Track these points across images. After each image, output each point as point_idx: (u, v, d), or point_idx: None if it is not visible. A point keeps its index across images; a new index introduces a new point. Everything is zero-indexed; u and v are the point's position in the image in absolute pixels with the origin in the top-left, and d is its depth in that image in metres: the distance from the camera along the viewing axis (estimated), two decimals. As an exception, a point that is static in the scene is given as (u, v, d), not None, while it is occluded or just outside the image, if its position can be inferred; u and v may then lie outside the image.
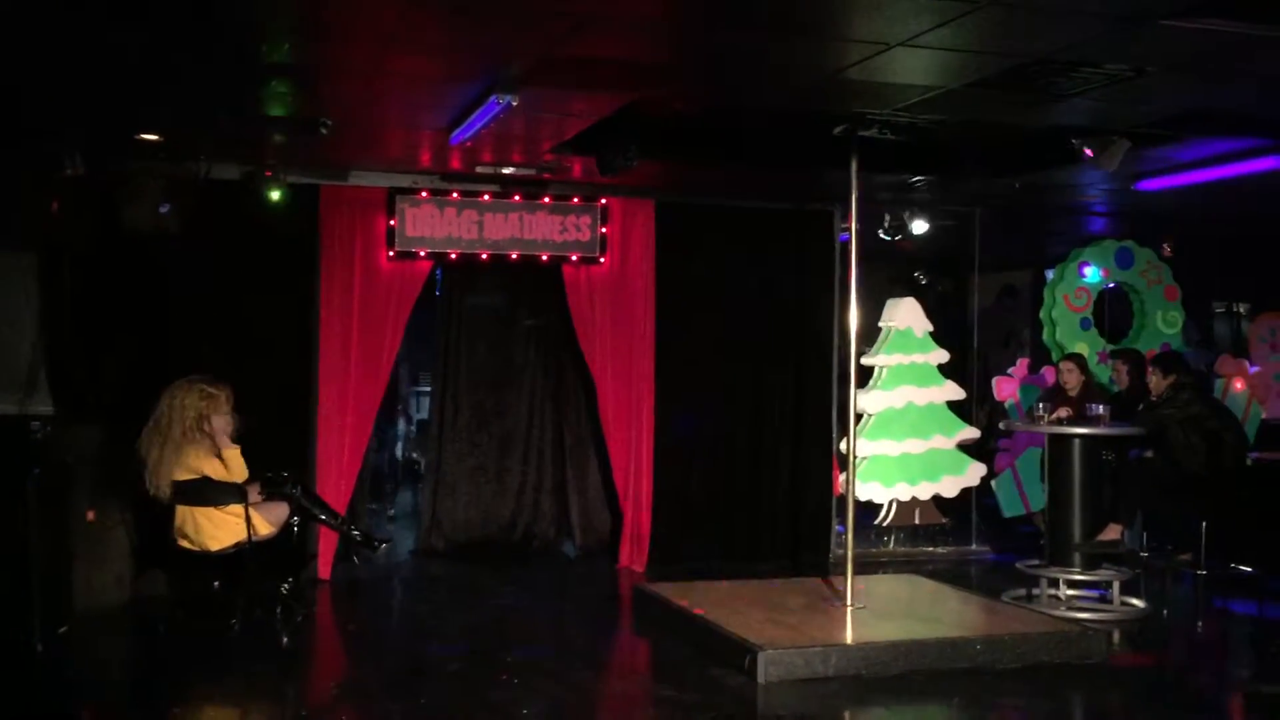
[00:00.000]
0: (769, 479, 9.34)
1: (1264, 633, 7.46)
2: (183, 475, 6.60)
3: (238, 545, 6.62)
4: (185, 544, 6.66)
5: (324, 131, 6.73)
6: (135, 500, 7.37)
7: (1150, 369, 8.38)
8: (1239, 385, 9.69)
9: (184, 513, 6.64)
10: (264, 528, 6.70)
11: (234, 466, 6.71)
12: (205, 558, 6.65)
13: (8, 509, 6.33)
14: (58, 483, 6.76)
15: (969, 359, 9.99)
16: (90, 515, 7.17)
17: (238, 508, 6.58)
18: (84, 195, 7.42)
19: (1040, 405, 8.11)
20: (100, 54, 5.49)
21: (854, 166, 6.96)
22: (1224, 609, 7.80)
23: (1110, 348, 10.24)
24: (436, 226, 8.47)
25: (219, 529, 6.62)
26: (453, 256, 8.58)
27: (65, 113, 6.68)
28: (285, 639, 6.59)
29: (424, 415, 9.28)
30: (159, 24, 5.01)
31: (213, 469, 6.64)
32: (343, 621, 7.70)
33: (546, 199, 8.68)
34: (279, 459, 7.22)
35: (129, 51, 5.42)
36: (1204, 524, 7.55)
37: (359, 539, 7.47)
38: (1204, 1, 4.55)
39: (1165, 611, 7.75)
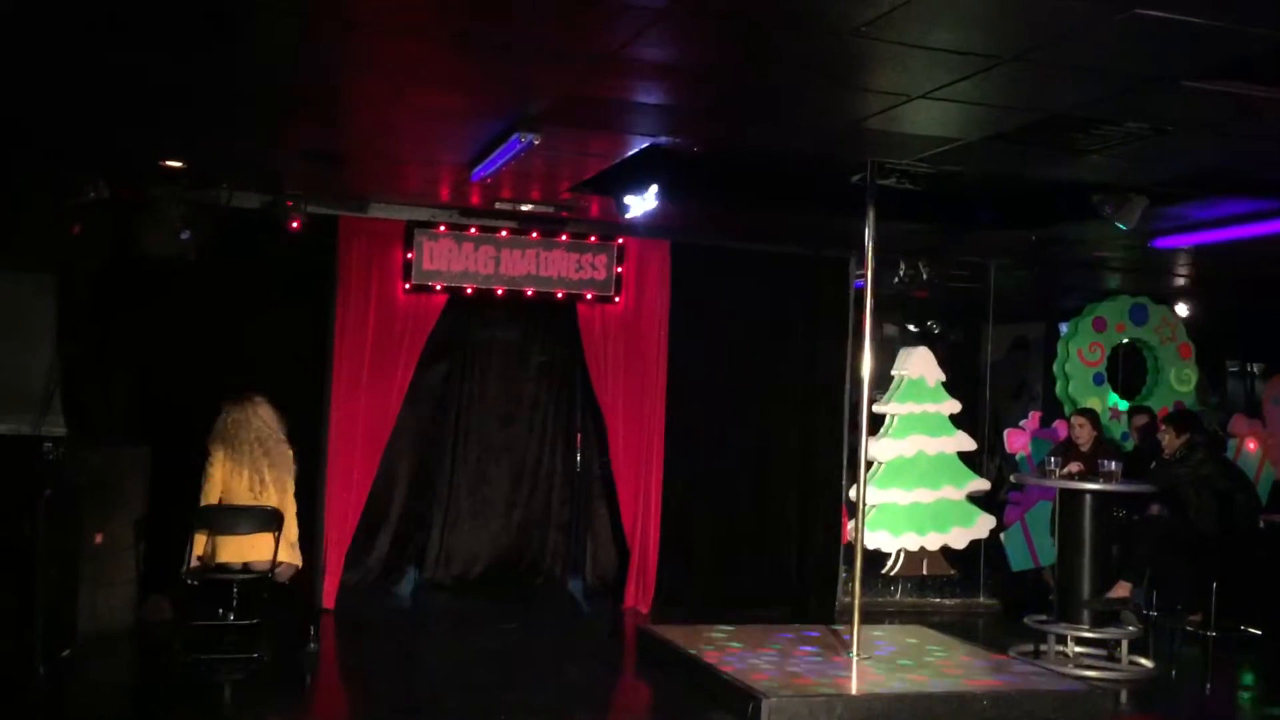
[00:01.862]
0: (777, 524, 9.30)
1: (1272, 696, 7.39)
2: (286, 487, 6.79)
3: (267, 563, 6.62)
4: (228, 556, 6.62)
5: (339, 165, 6.79)
6: (146, 525, 7.41)
7: (1163, 426, 8.35)
8: (1252, 446, 9.65)
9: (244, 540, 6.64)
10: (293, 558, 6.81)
11: None
12: (224, 585, 6.65)
13: (17, 529, 6.34)
14: (67, 504, 6.76)
15: (980, 410, 9.96)
16: (98, 538, 7.17)
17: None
18: (105, 219, 7.48)
19: (1052, 459, 8.09)
20: (124, 80, 5.54)
21: (870, 214, 6.99)
22: (1232, 671, 7.72)
23: (1125, 404, 10.21)
24: (453, 261, 8.51)
25: (261, 547, 6.63)
26: (468, 291, 8.61)
27: (88, 137, 6.75)
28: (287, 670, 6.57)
29: (435, 449, 9.29)
30: (182, 53, 5.07)
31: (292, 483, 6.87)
32: (344, 655, 7.66)
33: (564, 237, 8.72)
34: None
35: (151, 79, 5.48)
36: (1214, 585, 7.49)
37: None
38: (1225, 65, 4.58)
39: (1173, 672, 7.68)
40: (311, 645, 7.06)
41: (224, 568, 6.63)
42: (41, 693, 6.17)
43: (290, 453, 6.93)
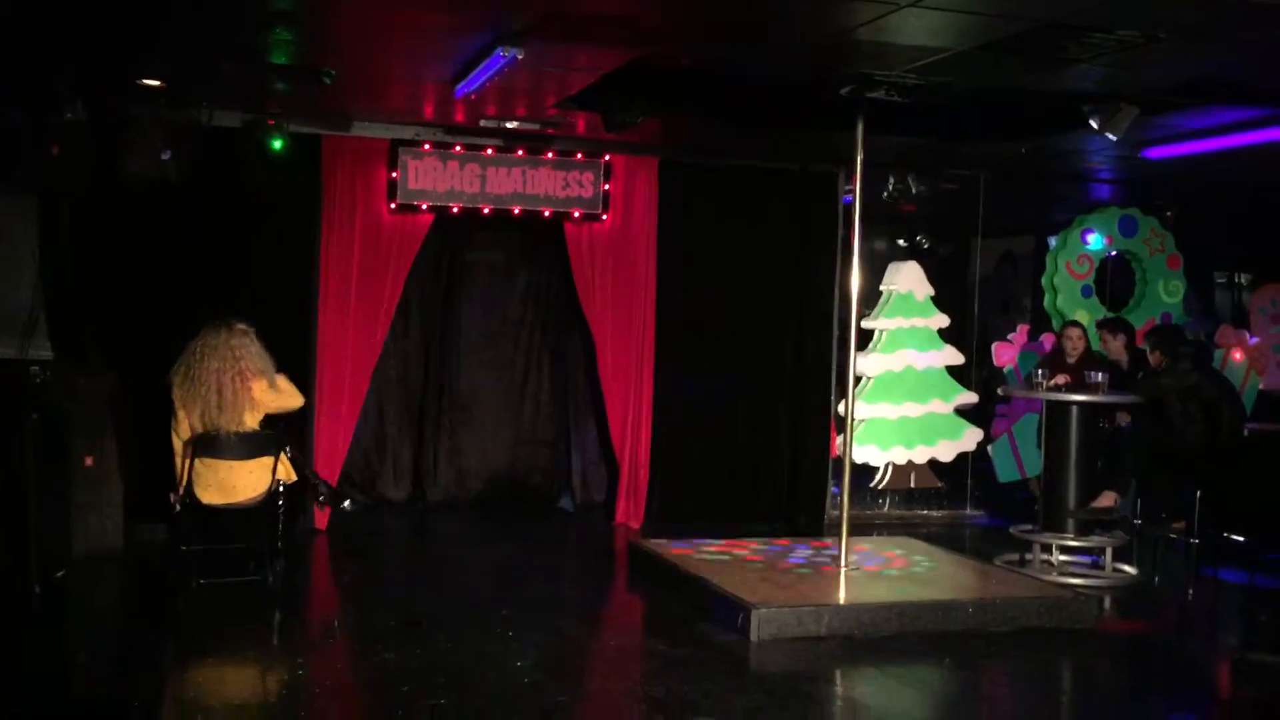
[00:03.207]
0: (766, 439, 9.37)
1: (1254, 602, 7.52)
2: (253, 419, 6.43)
3: (260, 496, 6.51)
4: (212, 498, 6.41)
5: (327, 81, 6.69)
6: (134, 449, 7.41)
7: (1145, 342, 8.39)
8: (1238, 356, 9.70)
9: (216, 465, 6.37)
10: (290, 475, 6.68)
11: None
12: (230, 510, 6.49)
13: (6, 452, 6.35)
14: (56, 428, 6.77)
15: (969, 324, 9.98)
16: (89, 461, 7.19)
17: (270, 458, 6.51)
18: (84, 140, 7.36)
19: (1039, 372, 8.13)
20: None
21: (859, 128, 6.92)
22: (1215, 578, 7.85)
23: (1105, 316, 10.23)
24: (439, 179, 8.43)
25: (254, 478, 6.48)
26: (454, 210, 8.55)
27: (66, 56, 6.62)
28: (280, 589, 6.59)
29: (423, 368, 9.30)
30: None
31: (278, 398, 6.54)
32: (338, 573, 7.74)
33: (550, 154, 8.64)
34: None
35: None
36: (1198, 493, 7.58)
37: (323, 498, 7.20)
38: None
39: (1157, 579, 7.82)
40: (287, 566, 6.83)
41: (210, 506, 6.43)
42: (40, 613, 6.23)
43: (258, 386, 6.42)
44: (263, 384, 6.48)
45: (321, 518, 8.27)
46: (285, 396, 6.62)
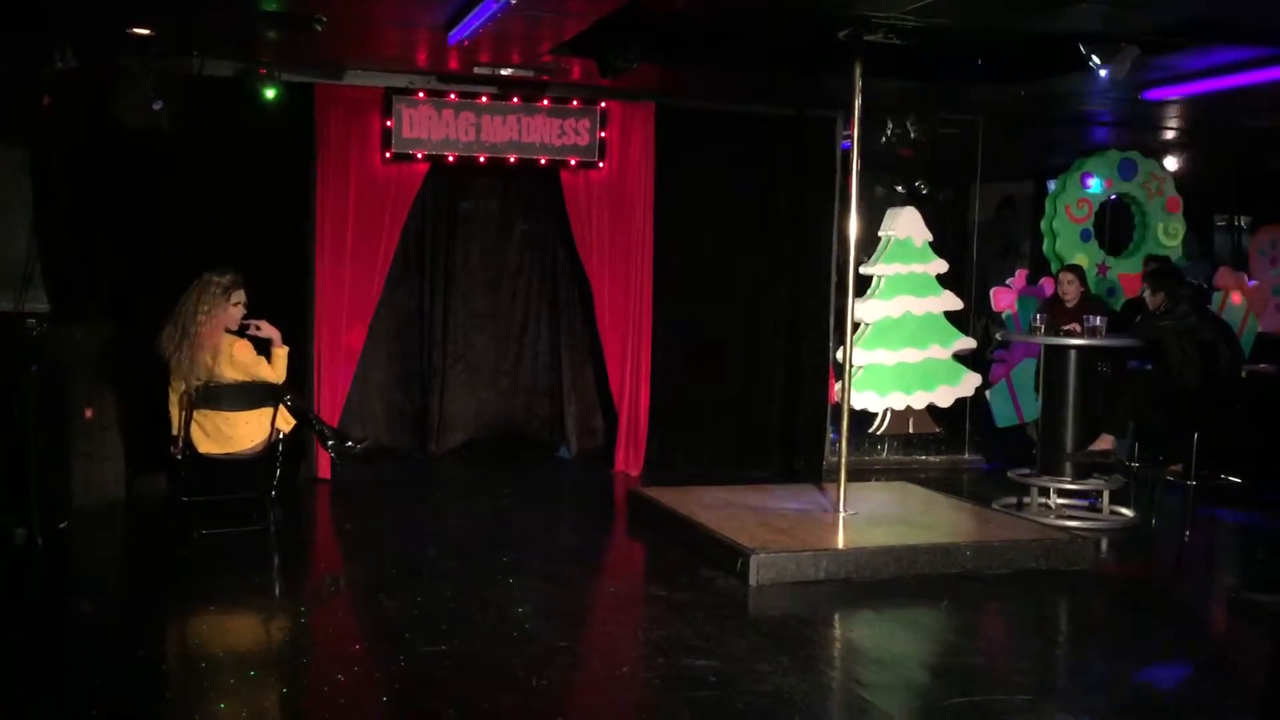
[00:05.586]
0: (765, 386, 9.38)
1: (1250, 542, 7.57)
2: (235, 374, 6.46)
3: (259, 446, 6.55)
4: (209, 448, 6.48)
5: (318, 28, 6.61)
6: (133, 400, 7.41)
7: (1143, 284, 8.38)
8: (1236, 298, 9.69)
9: (213, 416, 6.43)
10: (288, 424, 6.72)
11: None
12: (229, 460, 6.54)
13: (6, 406, 6.35)
14: (55, 380, 6.76)
15: (967, 269, 9.96)
16: (88, 413, 7.20)
17: (269, 408, 6.53)
18: (75, 90, 7.30)
19: (1038, 317, 8.12)
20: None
21: (857, 72, 6.86)
22: (1212, 519, 7.89)
23: (1114, 260, 10.19)
24: (434, 128, 8.37)
25: (251, 428, 6.52)
26: (450, 159, 8.49)
27: (56, 5, 6.54)
28: (281, 539, 6.61)
29: (420, 318, 9.29)
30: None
31: (263, 367, 6.56)
32: (340, 521, 7.78)
33: (545, 101, 8.57)
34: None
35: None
36: (1195, 435, 7.61)
37: (333, 443, 7.14)
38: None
39: (1154, 521, 7.85)
40: (283, 516, 6.83)
41: (209, 457, 6.49)
42: (41, 565, 6.26)
43: (234, 345, 6.47)
44: (243, 346, 6.49)
45: (323, 466, 8.30)
46: (265, 368, 6.60)
